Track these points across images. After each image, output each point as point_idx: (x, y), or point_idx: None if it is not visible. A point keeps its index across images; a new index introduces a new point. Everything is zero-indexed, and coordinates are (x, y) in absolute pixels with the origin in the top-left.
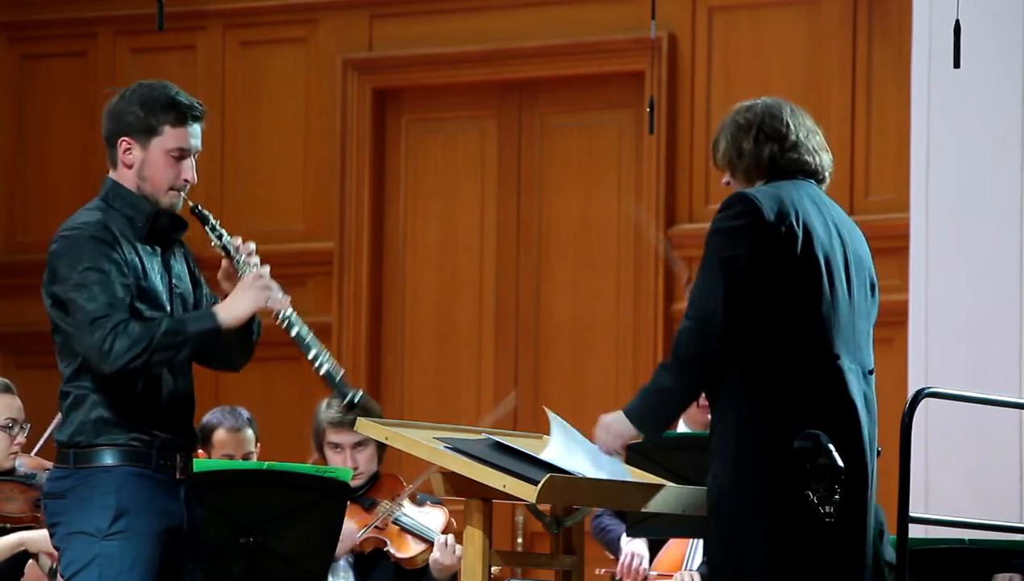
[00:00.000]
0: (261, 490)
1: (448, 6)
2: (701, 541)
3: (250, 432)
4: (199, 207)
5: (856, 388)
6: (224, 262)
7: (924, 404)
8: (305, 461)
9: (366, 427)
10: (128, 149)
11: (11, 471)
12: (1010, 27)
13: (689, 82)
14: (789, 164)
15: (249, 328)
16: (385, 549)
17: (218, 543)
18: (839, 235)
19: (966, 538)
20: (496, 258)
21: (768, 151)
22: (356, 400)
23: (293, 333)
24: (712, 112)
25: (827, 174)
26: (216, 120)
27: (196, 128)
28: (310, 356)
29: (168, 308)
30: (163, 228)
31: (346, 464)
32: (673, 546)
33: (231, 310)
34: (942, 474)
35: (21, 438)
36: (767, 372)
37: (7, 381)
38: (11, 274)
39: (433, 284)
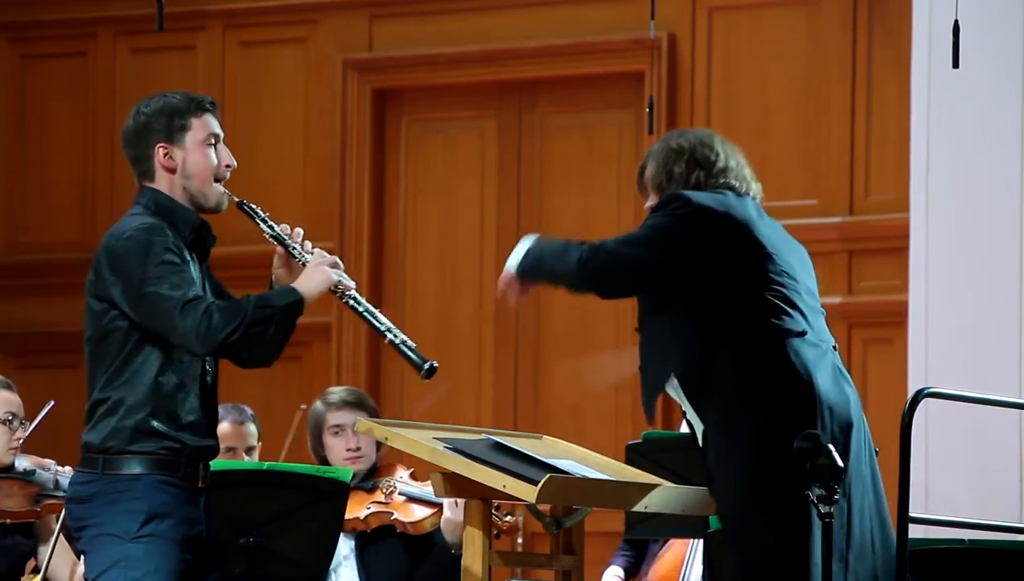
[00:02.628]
0: (261, 490)
1: (448, 6)
2: (698, 552)
3: (253, 427)
4: (245, 203)
5: (821, 362)
6: (279, 251)
7: (924, 404)
8: (303, 459)
9: (366, 427)
10: (167, 153)
11: (10, 467)
12: (1010, 27)
13: (689, 82)
14: (717, 188)
15: (296, 321)
16: (392, 519)
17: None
18: (783, 240)
19: (966, 538)
20: (496, 258)
21: (695, 178)
22: (435, 367)
23: (361, 309)
24: (712, 112)
25: (757, 200)
26: None
27: (215, 117)
28: (383, 329)
29: None
30: (204, 239)
31: (348, 444)
32: (674, 546)
33: (309, 285)
34: (942, 474)
35: (21, 433)
36: (734, 347)
37: (6, 379)
38: (11, 274)
39: (433, 284)
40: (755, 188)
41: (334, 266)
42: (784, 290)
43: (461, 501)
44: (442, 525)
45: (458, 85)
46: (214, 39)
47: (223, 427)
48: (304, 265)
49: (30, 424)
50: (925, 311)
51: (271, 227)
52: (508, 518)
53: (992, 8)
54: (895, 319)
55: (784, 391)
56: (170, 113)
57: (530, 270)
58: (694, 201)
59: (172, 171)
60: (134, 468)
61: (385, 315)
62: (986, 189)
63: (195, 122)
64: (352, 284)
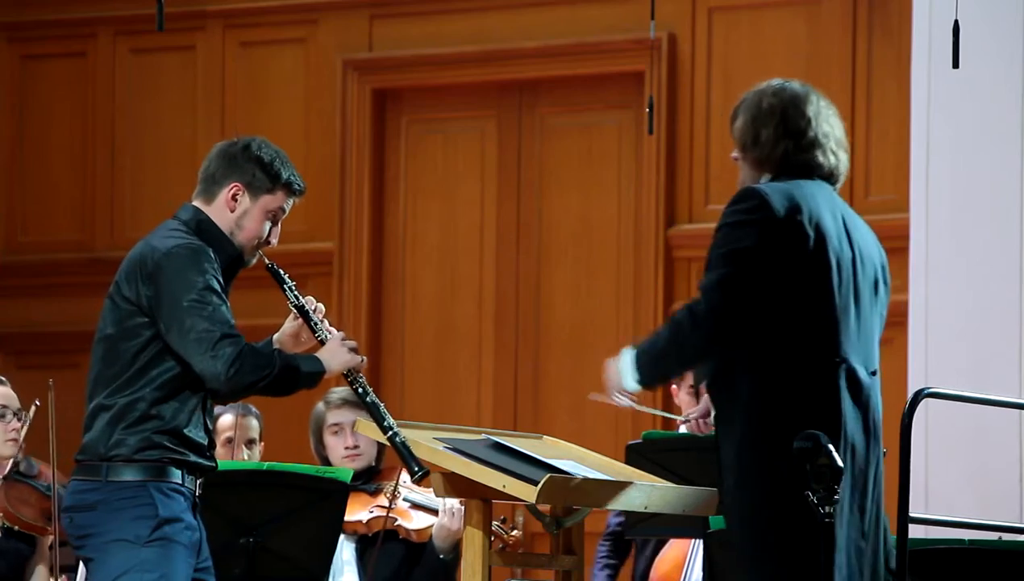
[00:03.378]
0: (261, 490)
1: (448, 6)
2: (699, 553)
3: (254, 422)
4: (274, 266)
5: (852, 392)
6: (293, 322)
7: (924, 404)
8: (305, 461)
9: (366, 428)
10: (237, 195)
11: (16, 465)
12: (1010, 27)
13: (689, 82)
14: (801, 164)
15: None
16: (396, 525)
17: (218, 543)
18: (848, 235)
19: (966, 538)
20: (496, 258)
21: (783, 148)
22: (428, 472)
23: (368, 399)
24: (712, 112)
25: (841, 175)
26: (216, 120)
27: (293, 201)
28: (384, 423)
29: None
30: (235, 271)
31: (346, 442)
32: (674, 546)
33: (333, 361)
34: (942, 474)
35: (16, 424)
36: (771, 371)
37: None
38: (11, 274)
39: (433, 284)
40: (843, 160)
41: (353, 350)
42: (833, 312)
43: (457, 508)
44: (434, 531)
45: (458, 85)
46: (214, 39)
47: (225, 419)
48: (322, 342)
49: (27, 416)
50: (925, 311)
51: (296, 297)
52: (515, 533)
53: (992, 8)
54: (895, 319)
55: (806, 424)
56: (269, 171)
57: (654, 372)
58: (769, 205)
59: (231, 212)
60: (138, 476)
61: (385, 406)
62: (986, 189)
63: (280, 194)
64: (363, 367)
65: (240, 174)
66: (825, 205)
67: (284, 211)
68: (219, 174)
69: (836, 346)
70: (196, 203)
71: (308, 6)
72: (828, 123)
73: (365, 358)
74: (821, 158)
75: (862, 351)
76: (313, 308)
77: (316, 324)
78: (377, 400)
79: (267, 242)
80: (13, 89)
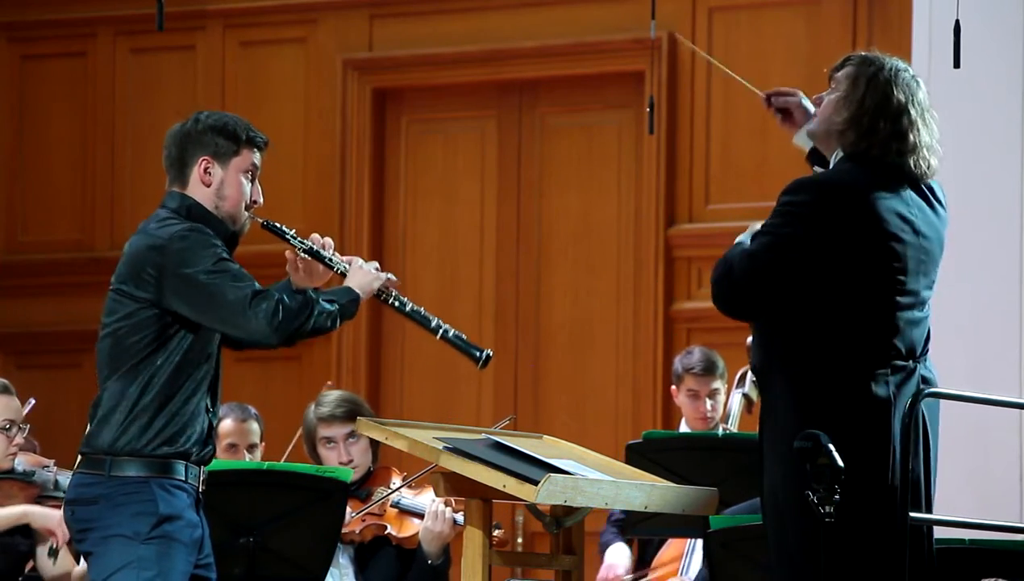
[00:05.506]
0: (261, 490)
1: (448, 6)
2: (699, 541)
3: (255, 426)
4: (269, 222)
5: (901, 388)
6: (292, 258)
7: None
8: (305, 461)
9: (366, 427)
10: (208, 168)
11: (10, 470)
12: (1010, 27)
13: (689, 82)
14: (893, 165)
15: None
16: (386, 533)
17: (218, 543)
18: (913, 230)
19: (966, 538)
20: (496, 258)
21: (886, 149)
22: (490, 356)
23: (408, 309)
24: (712, 112)
25: (926, 178)
26: None
27: (262, 155)
28: (432, 325)
29: None
30: (232, 249)
31: (340, 458)
32: (672, 545)
33: (363, 284)
34: (942, 474)
35: (19, 439)
36: (818, 367)
37: (6, 382)
38: (11, 274)
39: (433, 284)
40: (932, 167)
41: (377, 270)
42: (881, 311)
43: (442, 510)
44: (420, 535)
45: (458, 85)
46: (214, 39)
47: (226, 424)
48: (343, 274)
49: (28, 427)
50: None
51: (302, 242)
52: (497, 532)
53: (992, 8)
54: None
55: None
56: (228, 134)
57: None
58: (823, 203)
59: (207, 186)
60: (141, 471)
61: (426, 309)
62: (986, 189)
63: (245, 152)
64: (396, 283)
65: (203, 147)
66: (892, 199)
67: (256, 167)
68: (184, 155)
69: (883, 345)
70: (176, 189)
71: (308, 6)
72: (927, 125)
73: (393, 275)
74: (912, 164)
75: (914, 347)
76: (322, 245)
77: (331, 259)
78: (417, 307)
79: (254, 203)
80: (13, 89)
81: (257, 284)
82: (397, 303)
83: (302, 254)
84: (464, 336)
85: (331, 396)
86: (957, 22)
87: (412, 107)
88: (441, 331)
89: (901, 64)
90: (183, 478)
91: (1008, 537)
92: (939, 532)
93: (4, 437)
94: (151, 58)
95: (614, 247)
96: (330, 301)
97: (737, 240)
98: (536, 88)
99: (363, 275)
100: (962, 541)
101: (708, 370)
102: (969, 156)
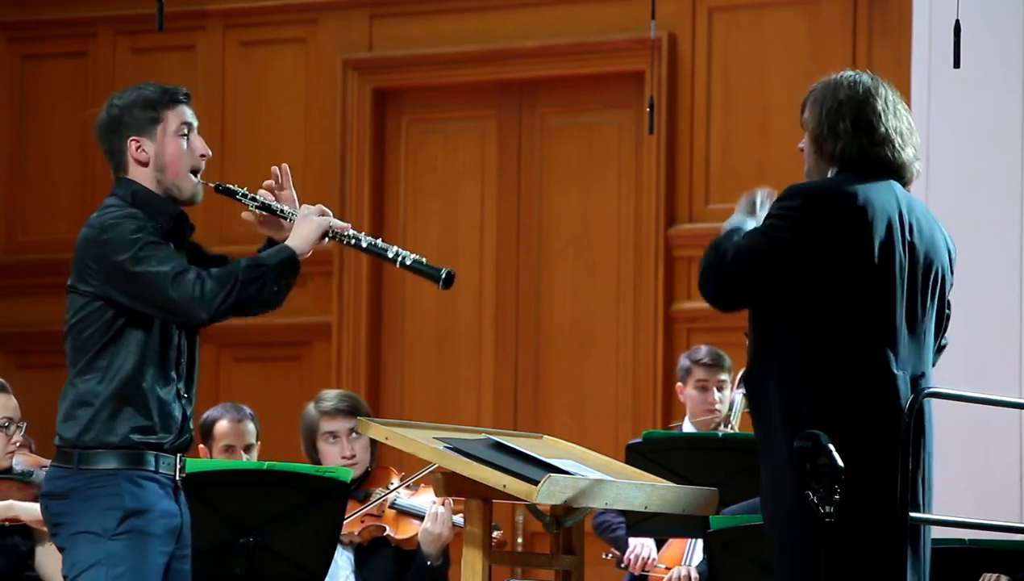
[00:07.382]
0: (261, 490)
1: (448, 6)
2: (700, 541)
3: (251, 426)
4: (221, 185)
5: (901, 395)
6: (260, 217)
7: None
8: (301, 461)
9: (366, 426)
10: (139, 146)
11: (8, 470)
12: (1010, 27)
13: (689, 82)
14: (873, 160)
15: (294, 275)
16: (385, 534)
17: (218, 543)
18: (912, 236)
19: (966, 538)
20: (496, 258)
21: (856, 144)
22: (452, 274)
23: (365, 245)
24: (712, 112)
25: (912, 171)
26: (216, 120)
27: (189, 108)
28: (390, 255)
29: None
30: (182, 230)
31: (343, 452)
32: (673, 545)
33: (301, 238)
34: (942, 474)
35: (17, 437)
36: (807, 367)
37: (3, 381)
38: (11, 274)
39: (433, 284)
40: (909, 155)
41: (323, 214)
42: (877, 318)
43: (442, 512)
44: (420, 536)
45: (458, 85)
46: (214, 39)
47: (221, 425)
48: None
49: (25, 425)
50: None
51: (253, 199)
52: (496, 534)
53: (992, 8)
54: None
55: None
56: (143, 106)
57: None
58: (813, 210)
59: (145, 164)
60: (110, 463)
61: (383, 240)
62: (986, 189)
63: (168, 114)
64: (345, 225)
65: (127, 128)
66: (891, 205)
67: (187, 122)
68: (114, 143)
69: (878, 351)
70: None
71: (308, 6)
72: (897, 117)
73: (345, 222)
74: (891, 154)
75: (910, 357)
76: (277, 186)
77: (282, 210)
78: (373, 240)
79: (203, 157)
80: (13, 89)
81: (181, 263)
82: (353, 242)
83: (254, 209)
84: (424, 260)
85: (332, 392)
86: (957, 22)
87: (412, 107)
88: (400, 258)
89: (853, 72)
90: (153, 468)
91: (1008, 537)
92: (939, 532)
93: (3, 435)
94: (151, 58)
95: (614, 247)
96: (259, 265)
97: (727, 226)
98: (536, 88)
99: (304, 226)
100: (962, 541)
101: (716, 362)
102: (969, 156)
